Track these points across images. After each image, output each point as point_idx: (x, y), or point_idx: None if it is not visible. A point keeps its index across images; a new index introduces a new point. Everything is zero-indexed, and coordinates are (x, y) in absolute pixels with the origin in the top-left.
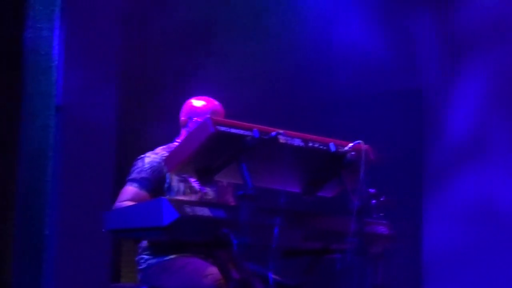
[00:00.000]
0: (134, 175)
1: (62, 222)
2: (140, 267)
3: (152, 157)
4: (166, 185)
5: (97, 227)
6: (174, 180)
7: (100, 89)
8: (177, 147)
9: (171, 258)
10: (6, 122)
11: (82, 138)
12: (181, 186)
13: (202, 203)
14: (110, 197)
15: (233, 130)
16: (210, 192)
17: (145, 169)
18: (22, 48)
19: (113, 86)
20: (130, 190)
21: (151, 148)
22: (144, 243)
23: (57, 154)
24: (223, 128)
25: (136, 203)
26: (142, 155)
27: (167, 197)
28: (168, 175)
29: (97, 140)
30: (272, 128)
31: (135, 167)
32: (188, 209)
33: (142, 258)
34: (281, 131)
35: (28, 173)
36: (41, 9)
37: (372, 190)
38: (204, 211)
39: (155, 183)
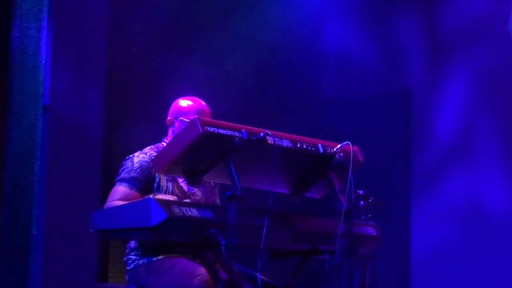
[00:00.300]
0: (123, 175)
1: (49, 222)
2: (128, 268)
3: (141, 157)
4: (155, 185)
5: (84, 227)
6: (163, 180)
7: (87, 89)
8: (165, 147)
9: (159, 259)
10: None
11: (69, 138)
12: (170, 185)
13: (190, 203)
14: (97, 197)
15: (221, 131)
16: (198, 193)
17: (134, 168)
18: (9, 47)
19: (100, 86)
20: (120, 190)
21: (138, 148)
22: (132, 243)
23: (44, 154)
24: (211, 129)
25: (124, 203)
26: (131, 155)
27: (156, 196)
28: (157, 174)
29: (84, 140)
30: (260, 129)
31: (124, 167)
32: (176, 210)
33: (130, 258)
34: (269, 132)
35: (15, 173)
36: (28, 9)
37: (360, 192)
38: (192, 212)
39: (145, 183)
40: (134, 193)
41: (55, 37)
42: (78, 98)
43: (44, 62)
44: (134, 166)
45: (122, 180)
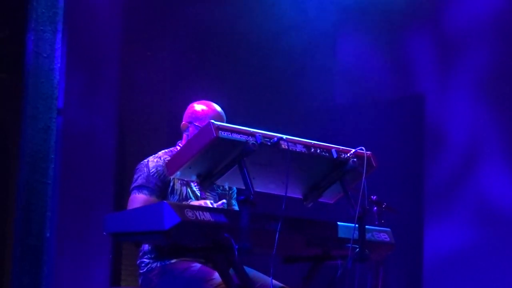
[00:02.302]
0: (141, 181)
1: (62, 225)
2: (141, 271)
3: (155, 161)
4: (169, 189)
5: (97, 230)
6: (177, 184)
7: (101, 92)
8: (179, 151)
9: (172, 262)
10: (7, 124)
11: (82, 141)
12: (184, 189)
13: (203, 207)
14: (110, 200)
15: (235, 135)
16: (210, 197)
17: (151, 174)
18: (24, 50)
19: (114, 89)
20: (140, 198)
21: (151, 151)
22: (146, 246)
23: (57, 156)
24: (225, 133)
25: (137, 207)
26: (145, 160)
27: (170, 200)
28: (171, 178)
29: (98, 142)
30: (274, 134)
31: (141, 172)
32: (189, 214)
33: (143, 261)
34: (283, 136)
35: (29, 175)
36: (44, 12)
37: (374, 197)
38: (206, 216)
39: (162, 188)
40: (154, 199)
41: (70, 40)
42: (91, 101)
43: (59, 65)
44: (151, 171)
45: (141, 187)
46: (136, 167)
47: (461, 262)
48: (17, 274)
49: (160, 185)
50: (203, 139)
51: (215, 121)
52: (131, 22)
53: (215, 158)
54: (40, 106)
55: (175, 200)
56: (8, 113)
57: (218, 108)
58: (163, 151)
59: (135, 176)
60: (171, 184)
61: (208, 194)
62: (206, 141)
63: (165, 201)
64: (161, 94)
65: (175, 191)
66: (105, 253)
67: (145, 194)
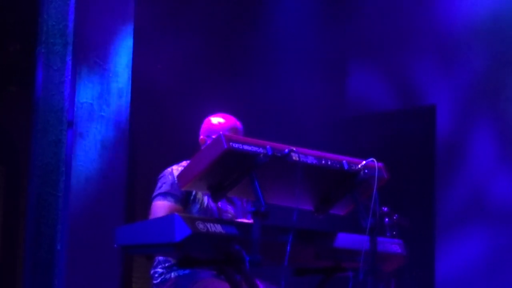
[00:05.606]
0: (166, 188)
1: (73, 237)
2: (155, 282)
3: (180, 170)
4: (191, 197)
5: (108, 243)
6: (200, 193)
7: (112, 104)
8: (190, 163)
9: (186, 274)
10: (18, 137)
11: (93, 153)
12: (206, 199)
13: (214, 219)
14: (121, 212)
15: (246, 147)
16: (230, 210)
17: (177, 182)
18: (35, 63)
19: (126, 101)
20: (165, 205)
21: (163, 164)
22: (160, 257)
23: (68, 169)
24: (236, 145)
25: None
26: (169, 168)
27: (191, 209)
28: None
29: (109, 155)
30: (285, 145)
31: (166, 180)
32: (200, 226)
33: (157, 272)
34: (294, 148)
35: (39, 188)
36: (54, 24)
37: (385, 209)
38: (217, 228)
39: (186, 197)
40: (179, 207)
41: (80, 52)
42: (102, 113)
43: (70, 77)
44: (176, 179)
45: (166, 194)
46: (160, 175)
47: (475, 274)
48: (29, 287)
49: (185, 193)
50: (214, 151)
51: (234, 132)
52: (142, 34)
53: (226, 170)
54: (51, 119)
55: (196, 209)
56: (18, 126)
57: (235, 119)
58: (185, 161)
59: (159, 184)
60: (193, 192)
61: (229, 207)
62: (217, 153)
63: (176, 213)
64: (173, 107)
65: (196, 200)
66: (116, 266)
67: (170, 201)
